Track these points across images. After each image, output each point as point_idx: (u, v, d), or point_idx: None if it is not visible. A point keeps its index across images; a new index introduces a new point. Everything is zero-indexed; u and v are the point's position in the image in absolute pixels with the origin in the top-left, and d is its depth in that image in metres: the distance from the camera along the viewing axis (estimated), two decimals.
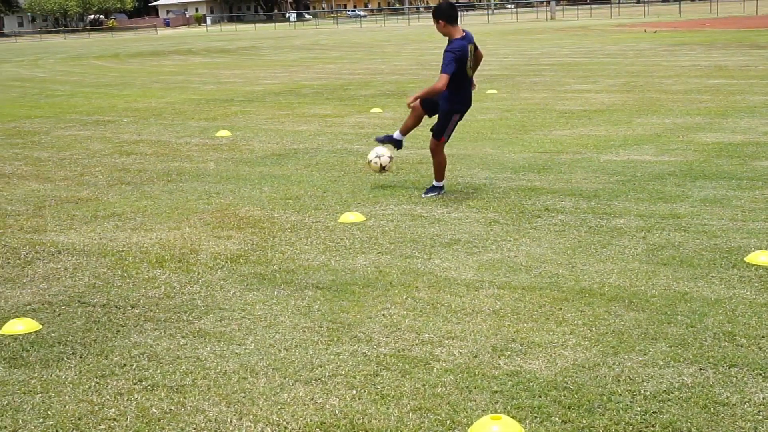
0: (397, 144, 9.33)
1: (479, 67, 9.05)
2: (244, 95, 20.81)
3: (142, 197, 9.42)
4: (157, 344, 5.21)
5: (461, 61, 8.39)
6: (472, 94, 8.92)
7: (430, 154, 9.02)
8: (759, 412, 4.11)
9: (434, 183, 9.05)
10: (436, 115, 8.89)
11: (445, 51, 8.36)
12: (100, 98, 21.62)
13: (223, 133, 14.12)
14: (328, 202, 8.82)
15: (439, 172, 9.00)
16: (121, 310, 5.84)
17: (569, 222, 7.65)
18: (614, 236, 7.16)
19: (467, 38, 8.52)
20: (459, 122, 8.98)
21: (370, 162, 9.29)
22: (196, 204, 8.97)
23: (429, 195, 8.88)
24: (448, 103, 8.69)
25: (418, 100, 8.75)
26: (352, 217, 8.04)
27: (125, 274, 6.63)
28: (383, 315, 5.55)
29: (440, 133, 8.88)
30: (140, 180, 10.45)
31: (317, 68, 29.49)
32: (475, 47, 8.70)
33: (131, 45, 61.90)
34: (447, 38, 8.55)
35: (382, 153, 9.23)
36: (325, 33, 70.97)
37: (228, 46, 52.70)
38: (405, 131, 9.27)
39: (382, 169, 9.26)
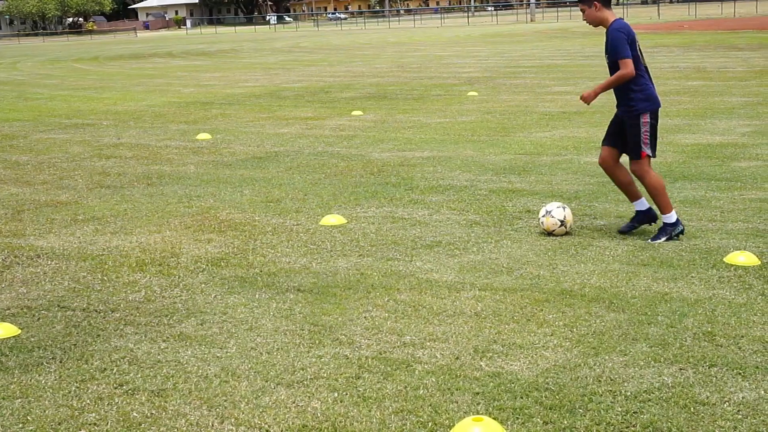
0: (649, 218, 7.23)
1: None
2: (224, 98, 20.75)
3: (122, 201, 9.38)
4: (138, 348, 5.18)
5: (633, 45, 6.83)
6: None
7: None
8: (738, 411, 4.14)
9: (662, 219, 7.03)
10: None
11: (609, 31, 6.86)
12: (80, 101, 21.50)
13: (204, 136, 14.08)
14: (309, 204, 8.81)
15: (658, 197, 6.93)
16: (101, 314, 5.81)
17: None
18: (595, 237, 7.19)
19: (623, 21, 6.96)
20: (654, 125, 6.97)
21: (540, 221, 7.38)
22: (176, 207, 8.93)
23: (659, 240, 6.97)
24: (631, 102, 6.95)
25: (596, 95, 7.04)
26: (333, 219, 8.03)
27: (105, 278, 6.60)
28: (365, 317, 5.54)
29: (637, 148, 6.94)
30: (120, 183, 10.40)
31: (298, 71, 29.46)
32: None
33: (110, 48, 61.62)
34: (597, 26, 7.06)
35: (552, 213, 7.31)
36: (305, 36, 70.90)
37: (208, 48, 52.56)
38: (642, 197, 7.23)
39: (551, 234, 7.28)
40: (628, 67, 6.75)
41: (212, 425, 4.19)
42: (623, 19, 7.00)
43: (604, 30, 7.01)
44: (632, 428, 4.01)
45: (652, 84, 7.07)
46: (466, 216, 8.07)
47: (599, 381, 4.50)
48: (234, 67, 33.01)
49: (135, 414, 4.33)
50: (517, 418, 4.14)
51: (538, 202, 8.44)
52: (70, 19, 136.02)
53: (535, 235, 7.31)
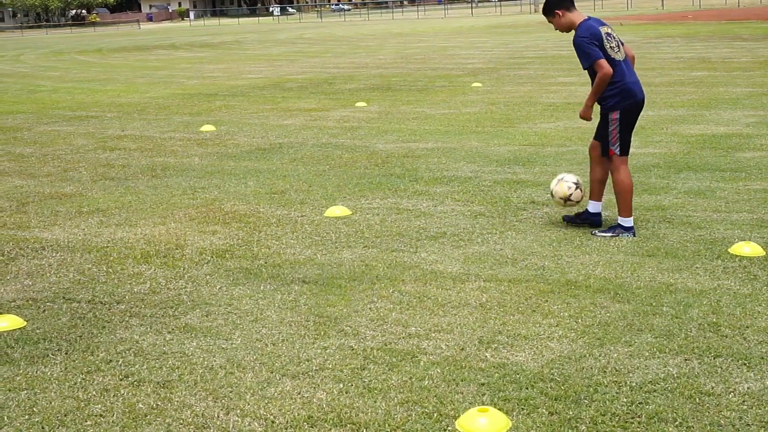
0: (593, 222, 7.24)
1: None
2: (228, 90, 20.74)
3: (127, 193, 9.38)
4: (143, 340, 5.19)
5: (602, 42, 6.73)
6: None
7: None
8: (744, 401, 4.14)
9: (619, 219, 6.99)
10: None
11: (573, 41, 6.83)
12: (84, 93, 21.51)
13: (208, 127, 14.08)
14: (313, 196, 8.81)
15: (622, 197, 6.91)
16: (107, 306, 5.82)
17: (555, 214, 7.67)
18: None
19: (594, 19, 6.91)
20: (629, 122, 6.95)
21: (552, 193, 7.37)
22: (181, 199, 8.94)
23: (603, 234, 6.99)
24: (603, 97, 6.86)
25: (592, 108, 6.98)
26: (337, 211, 8.03)
27: (110, 270, 6.61)
28: (370, 309, 5.55)
29: (606, 145, 6.97)
30: (124, 175, 10.40)
31: (301, 62, 29.44)
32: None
33: (114, 40, 61.61)
34: (570, 31, 6.99)
35: (564, 178, 7.35)
36: (308, 27, 70.81)
37: (211, 40, 52.53)
38: (601, 202, 7.25)
39: (568, 200, 7.27)
40: (603, 67, 6.64)
41: (218, 416, 4.20)
42: (593, 17, 6.92)
43: None
44: (637, 419, 4.01)
45: (633, 76, 6.91)
46: (471, 207, 8.07)
47: (604, 372, 4.50)
48: (237, 59, 32.99)
49: (141, 405, 4.34)
50: (523, 409, 4.14)
51: (543, 193, 8.43)
52: (74, 11, 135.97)
53: (539, 226, 7.31)
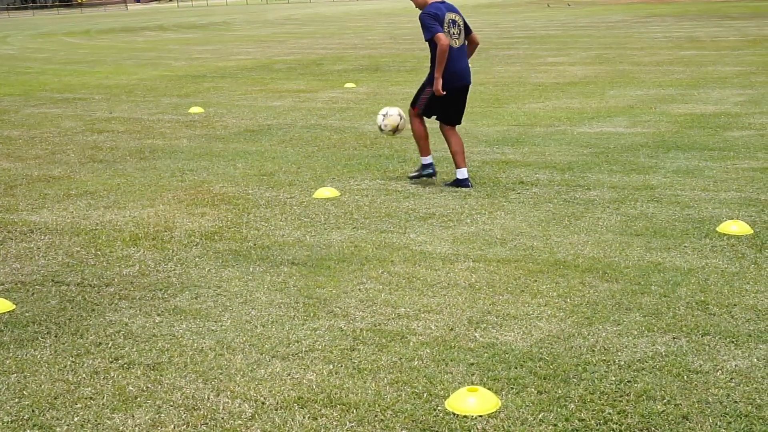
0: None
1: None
2: (216, 71, 20.65)
3: (115, 175, 9.35)
4: (133, 322, 5.19)
5: (443, 24, 7.75)
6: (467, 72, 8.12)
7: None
8: (731, 379, 4.16)
9: (421, 160, 8.33)
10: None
11: (420, 16, 7.79)
12: (71, 75, 21.38)
13: (196, 109, 14.03)
14: (302, 177, 8.79)
15: (418, 143, 8.29)
16: (96, 288, 5.81)
17: (543, 194, 7.68)
18: (588, 208, 7.20)
19: (445, 4, 7.91)
20: (446, 102, 7.98)
21: (380, 128, 8.57)
22: (169, 181, 8.92)
23: (413, 176, 8.37)
24: (430, 72, 7.95)
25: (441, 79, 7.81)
26: (326, 192, 8.03)
27: (99, 253, 6.60)
28: (359, 290, 5.55)
29: (415, 101, 8.20)
30: (113, 158, 10.36)
31: (290, 43, 29.32)
32: (465, 24, 8.09)
33: (101, 21, 61.20)
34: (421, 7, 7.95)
35: (387, 112, 8.54)
36: (297, 7, 70.47)
37: (199, 21, 52.23)
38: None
39: (396, 130, 8.50)
40: (441, 40, 7.57)
41: (208, 398, 4.21)
42: (446, 3, 7.91)
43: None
44: (626, 397, 4.04)
45: (461, 65, 7.95)
46: (460, 188, 8.06)
47: (593, 350, 4.52)
48: (226, 40, 32.82)
49: (131, 388, 4.34)
50: (512, 388, 4.16)
51: (532, 173, 8.44)
52: None
53: (528, 206, 7.32)
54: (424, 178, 8.35)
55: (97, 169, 9.75)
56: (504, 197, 7.66)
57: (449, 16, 7.85)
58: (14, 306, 5.51)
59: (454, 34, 7.84)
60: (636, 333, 4.72)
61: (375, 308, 5.24)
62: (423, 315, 5.10)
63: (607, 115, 11.62)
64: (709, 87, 13.78)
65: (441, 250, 6.30)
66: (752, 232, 6.35)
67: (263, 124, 12.35)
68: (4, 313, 5.41)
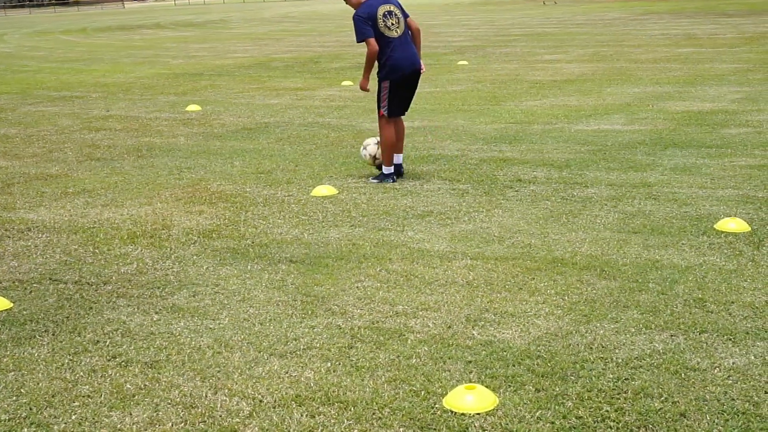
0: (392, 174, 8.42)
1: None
2: (213, 69, 20.64)
3: (113, 173, 9.34)
4: (131, 320, 5.19)
5: (375, 22, 7.88)
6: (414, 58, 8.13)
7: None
8: (729, 376, 4.17)
9: (384, 169, 8.35)
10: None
11: (353, 17, 7.94)
12: (68, 74, 21.36)
13: (193, 107, 14.02)
14: (300, 175, 8.79)
15: (385, 152, 8.28)
16: (94, 286, 5.80)
17: (541, 192, 7.69)
18: (586, 206, 7.20)
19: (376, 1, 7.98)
20: (399, 93, 8.12)
21: (368, 160, 8.63)
22: (167, 179, 8.91)
23: (375, 181, 8.32)
24: (378, 70, 8.11)
25: (367, 80, 8.19)
26: (324, 190, 8.03)
27: (97, 251, 6.59)
28: (357, 287, 5.55)
29: (378, 107, 8.24)
30: (110, 156, 10.36)
31: (287, 41, 29.30)
32: (402, 10, 8.11)
33: (98, 19, 61.13)
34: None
35: (366, 144, 8.66)
36: (294, 5, 70.43)
37: (197, 19, 52.19)
38: (388, 159, 8.32)
39: (375, 158, 8.52)
40: (369, 45, 7.87)
41: (206, 396, 4.21)
42: None
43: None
44: (624, 394, 4.04)
45: (406, 51, 8.04)
46: (457, 185, 8.07)
47: (591, 348, 4.53)
48: (223, 38, 32.81)
49: (128, 386, 4.34)
50: (510, 386, 4.16)
51: (529, 171, 8.45)
52: None
53: (526, 204, 7.33)
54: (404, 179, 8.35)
55: (94, 167, 9.74)
56: (502, 195, 7.66)
57: (383, 9, 7.97)
58: (12, 304, 5.51)
59: (392, 25, 8.00)
60: (633, 330, 4.72)
61: (373, 306, 5.24)
62: (421, 313, 5.10)
63: (604, 113, 11.63)
64: (707, 84, 13.78)
65: (439, 247, 6.30)
66: (750, 229, 6.35)
67: (261, 122, 12.35)
68: (1, 311, 5.40)
